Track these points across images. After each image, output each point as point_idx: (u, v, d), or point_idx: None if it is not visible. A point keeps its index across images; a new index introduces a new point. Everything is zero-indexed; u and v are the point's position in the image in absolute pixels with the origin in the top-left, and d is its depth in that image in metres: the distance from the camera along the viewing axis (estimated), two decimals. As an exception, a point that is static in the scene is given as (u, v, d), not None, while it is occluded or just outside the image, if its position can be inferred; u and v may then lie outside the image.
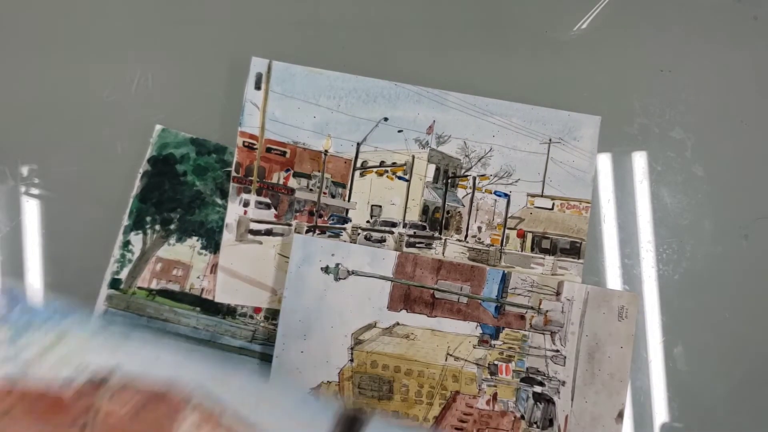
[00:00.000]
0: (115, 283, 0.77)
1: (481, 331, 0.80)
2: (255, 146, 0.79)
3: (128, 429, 0.38)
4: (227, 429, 0.38)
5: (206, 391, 0.39)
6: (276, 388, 0.53)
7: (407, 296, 0.79)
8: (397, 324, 0.78)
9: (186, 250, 0.79)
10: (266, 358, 0.77)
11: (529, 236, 0.82)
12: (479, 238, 0.82)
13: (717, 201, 0.85)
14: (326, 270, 0.78)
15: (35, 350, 0.38)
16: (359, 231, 0.80)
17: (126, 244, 0.78)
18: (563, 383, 0.80)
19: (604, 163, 0.84)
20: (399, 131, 0.81)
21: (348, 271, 0.78)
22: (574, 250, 0.82)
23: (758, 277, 0.87)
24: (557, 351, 0.80)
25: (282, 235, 0.79)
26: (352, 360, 0.77)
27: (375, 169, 0.80)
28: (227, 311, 0.78)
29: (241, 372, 0.42)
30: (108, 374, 0.39)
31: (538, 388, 0.80)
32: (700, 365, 0.84)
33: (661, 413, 0.83)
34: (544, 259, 0.82)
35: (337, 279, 0.78)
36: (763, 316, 0.86)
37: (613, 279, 0.83)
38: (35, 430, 0.36)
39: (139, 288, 0.78)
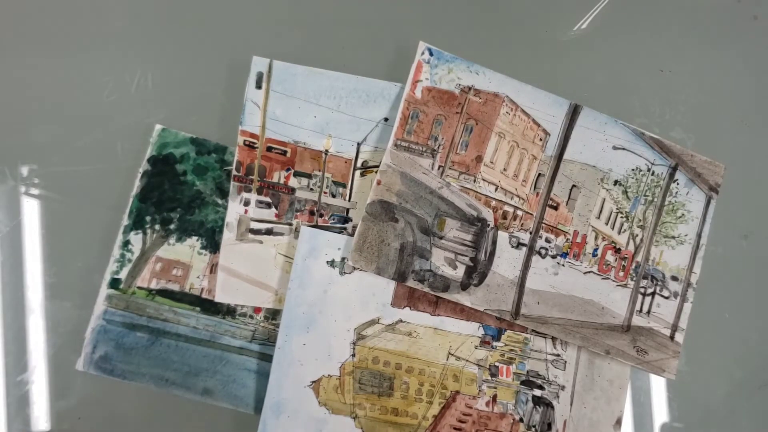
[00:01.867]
0: (114, 283, 0.77)
1: (483, 332, 0.80)
2: (256, 145, 0.79)
3: (481, 108, 0.80)
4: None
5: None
6: None
7: (411, 294, 0.78)
8: (400, 321, 0.78)
9: (186, 250, 0.79)
10: (266, 358, 0.77)
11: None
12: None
13: (717, 201, 0.85)
14: (332, 264, 0.78)
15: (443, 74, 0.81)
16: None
17: (126, 243, 0.78)
18: (563, 388, 0.80)
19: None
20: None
21: (353, 266, 0.78)
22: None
23: (758, 277, 0.87)
24: (558, 355, 0.80)
25: (282, 234, 0.79)
26: (353, 355, 0.77)
27: (375, 169, 0.80)
28: (227, 311, 0.78)
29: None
30: (471, 86, 0.81)
31: (537, 392, 0.80)
32: (700, 365, 0.84)
33: (661, 413, 0.83)
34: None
35: (342, 273, 0.78)
36: (763, 316, 0.86)
37: (614, 279, 0.83)
38: (439, 109, 0.79)
39: (139, 288, 0.78)
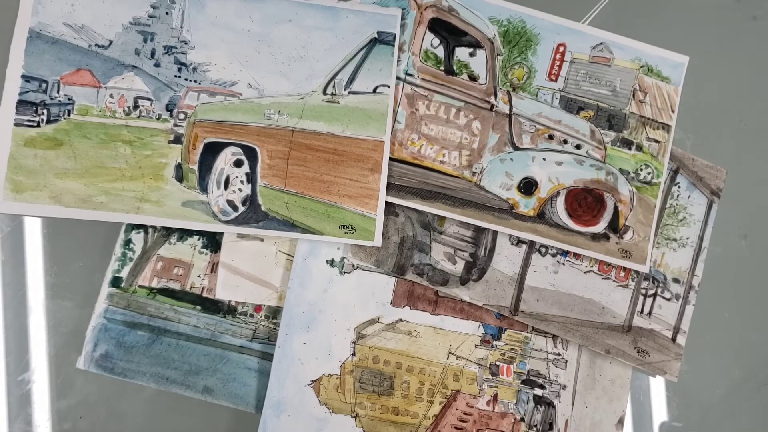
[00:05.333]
0: (115, 282, 0.77)
1: (483, 331, 0.79)
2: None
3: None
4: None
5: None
6: None
7: (411, 293, 0.79)
8: (400, 320, 0.78)
9: (187, 249, 0.79)
10: (266, 357, 0.77)
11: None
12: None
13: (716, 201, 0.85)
14: (331, 263, 0.78)
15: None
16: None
17: (127, 242, 0.78)
18: (564, 387, 0.80)
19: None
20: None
21: (353, 266, 0.78)
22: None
23: (757, 276, 0.87)
24: (559, 354, 0.80)
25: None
26: (354, 354, 0.77)
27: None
28: (228, 310, 0.78)
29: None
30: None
31: (539, 391, 0.80)
32: (699, 364, 0.84)
33: (660, 412, 0.83)
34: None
35: (342, 273, 0.78)
36: (762, 315, 0.86)
37: (614, 278, 0.83)
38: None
39: (140, 286, 0.78)
